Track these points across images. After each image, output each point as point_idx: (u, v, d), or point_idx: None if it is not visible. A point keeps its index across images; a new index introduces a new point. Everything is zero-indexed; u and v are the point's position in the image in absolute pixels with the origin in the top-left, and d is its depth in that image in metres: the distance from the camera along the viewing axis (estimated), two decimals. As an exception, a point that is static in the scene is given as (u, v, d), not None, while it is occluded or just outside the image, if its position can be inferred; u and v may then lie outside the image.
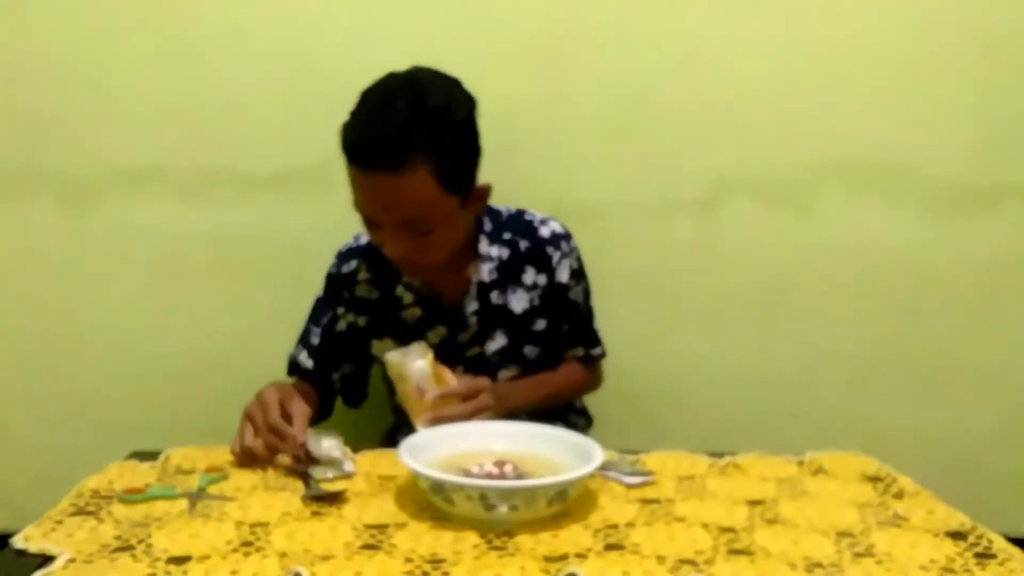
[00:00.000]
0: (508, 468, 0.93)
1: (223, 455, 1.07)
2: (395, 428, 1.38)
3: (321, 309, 1.32)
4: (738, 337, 1.64)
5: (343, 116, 1.57)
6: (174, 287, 1.59)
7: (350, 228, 1.35)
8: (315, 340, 1.30)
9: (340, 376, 1.31)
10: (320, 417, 1.31)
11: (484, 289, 1.25)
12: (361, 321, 1.29)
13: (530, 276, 1.27)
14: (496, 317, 1.26)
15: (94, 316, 1.60)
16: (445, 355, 1.25)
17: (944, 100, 1.57)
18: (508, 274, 1.26)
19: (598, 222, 1.46)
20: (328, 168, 1.56)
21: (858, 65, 1.56)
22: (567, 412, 1.41)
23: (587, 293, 1.35)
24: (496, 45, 1.53)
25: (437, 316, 1.26)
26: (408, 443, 0.94)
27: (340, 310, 1.30)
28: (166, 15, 1.52)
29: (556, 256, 1.28)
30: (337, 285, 1.30)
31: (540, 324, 1.29)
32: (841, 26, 1.55)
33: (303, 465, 1.01)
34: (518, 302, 1.27)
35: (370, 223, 1.13)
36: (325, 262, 1.34)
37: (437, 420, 1.07)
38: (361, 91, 1.11)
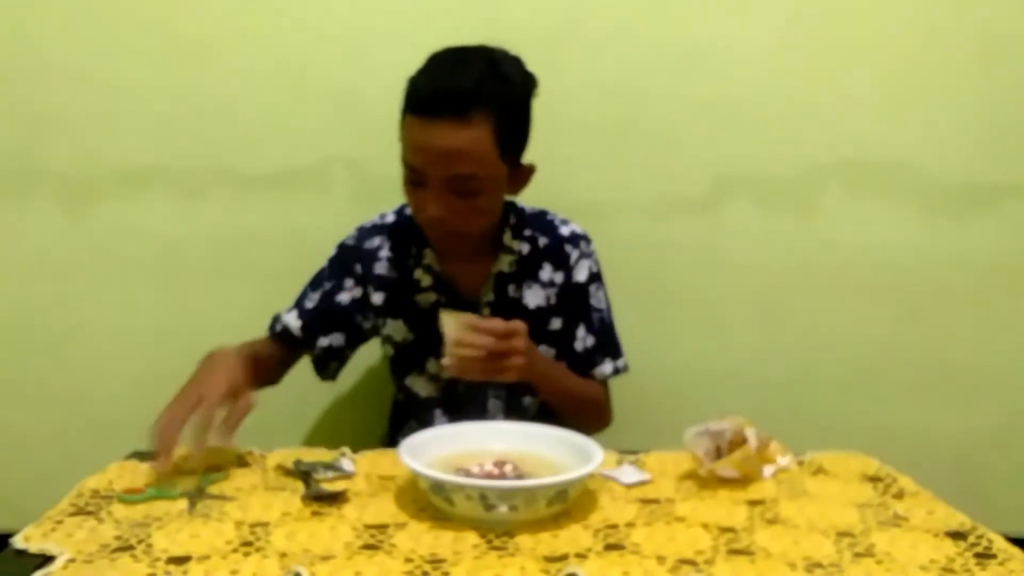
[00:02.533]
0: (508, 468, 0.93)
1: (223, 455, 1.07)
2: (392, 434, 1.38)
3: (324, 276, 1.31)
4: (738, 337, 1.64)
5: (343, 116, 1.58)
6: (174, 287, 1.59)
7: (350, 228, 1.36)
8: (309, 304, 1.29)
9: (327, 345, 1.29)
10: (262, 384, 1.24)
11: (502, 280, 1.26)
12: (377, 299, 1.29)
13: (547, 273, 1.28)
14: (510, 311, 1.26)
15: (94, 316, 1.59)
16: None
17: (944, 100, 1.57)
18: (526, 269, 1.27)
19: (598, 222, 1.46)
20: (328, 168, 1.57)
21: (858, 65, 1.56)
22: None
23: (607, 300, 1.33)
24: (496, 45, 1.53)
25: (451, 303, 1.26)
26: (408, 443, 0.94)
27: (348, 282, 1.29)
28: (166, 16, 1.52)
29: (575, 255, 1.29)
30: (352, 257, 1.30)
31: (555, 323, 1.28)
32: (841, 26, 1.55)
33: (302, 465, 1.01)
34: (533, 298, 1.27)
35: (416, 180, 1.13)
36: (324, 262, 1.34)
37: (460, 345, 1.06)
38: (430, 54, 1.15)
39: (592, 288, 1.30)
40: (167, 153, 1.55)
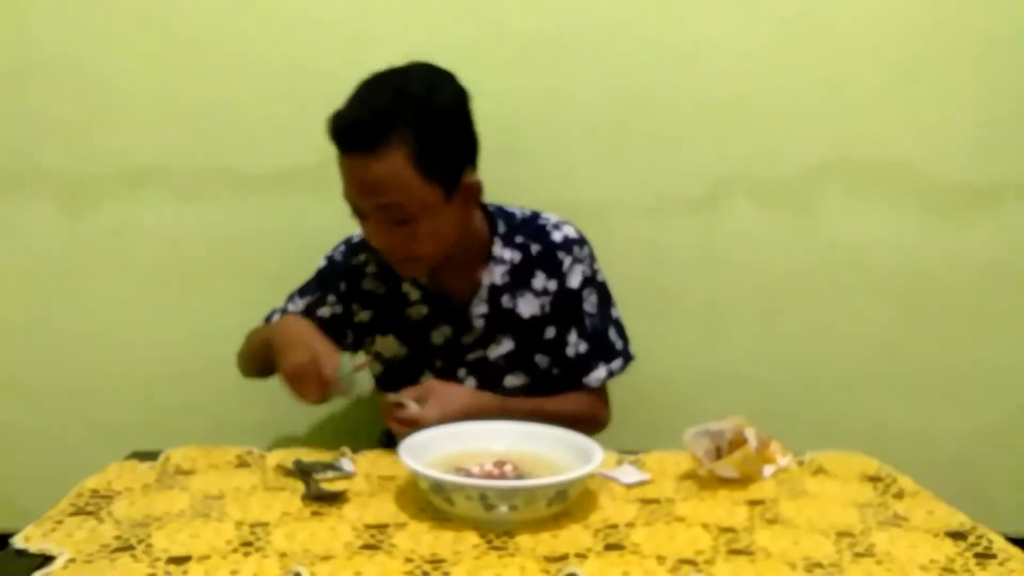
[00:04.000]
0: (508, 468, 0.93)
1: (225, 455, 1.07)
2: (390, 436, 1.37)
3: (311, 287, 1.31)
4: (738, 337, 1.64)
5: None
6: (174, 287, 1.59)
7: (350, 228, 1.36)
8: (292, 308, 1.30)
9: None
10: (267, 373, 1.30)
11: (495, 292, 1.24)
12: (364, 316, 1.28)
13: (540, 281, 1.25)
14: (504, 321, 1.25)
15: (94, 316, 1.59)
16: (449, 356, 1.25)
17: (944, 100, 1.57)
18: (519, 278, 1.25)
19: (598, 222, 1.46)
20: (328, 168, 1.56)
21: (858, 65, 1.55)
22: None
23: (605, 301, 1.30)
24: (496, 45, 1.53)
25: (443, 315, 1.25)
26: (408, 443, 0.94)
27: (331, 298, 1.28)
28: (166, 15, 1.52)
29: (567, 261, 1.26)
30: (338, 274, 1.29)
31: (550, 332, 1.26)
32: (841, 26, 1.55)
33: (302, 465, 1.01)
34: (527, 307, 1.25)
35: (356, 212, 1.15)
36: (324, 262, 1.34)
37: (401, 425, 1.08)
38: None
39: (585, 293, 1.27)
40: (167, 153, 1.55)
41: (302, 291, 1.32)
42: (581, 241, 1.28)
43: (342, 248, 1.32)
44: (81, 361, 1.61)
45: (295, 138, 1.55)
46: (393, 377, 1.28)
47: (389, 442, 1.32)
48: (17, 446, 1.62)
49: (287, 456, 1.05)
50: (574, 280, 1.26)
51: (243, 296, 1.59)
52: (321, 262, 1.33)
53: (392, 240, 1.12)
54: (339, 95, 1.53)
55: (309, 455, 1.05)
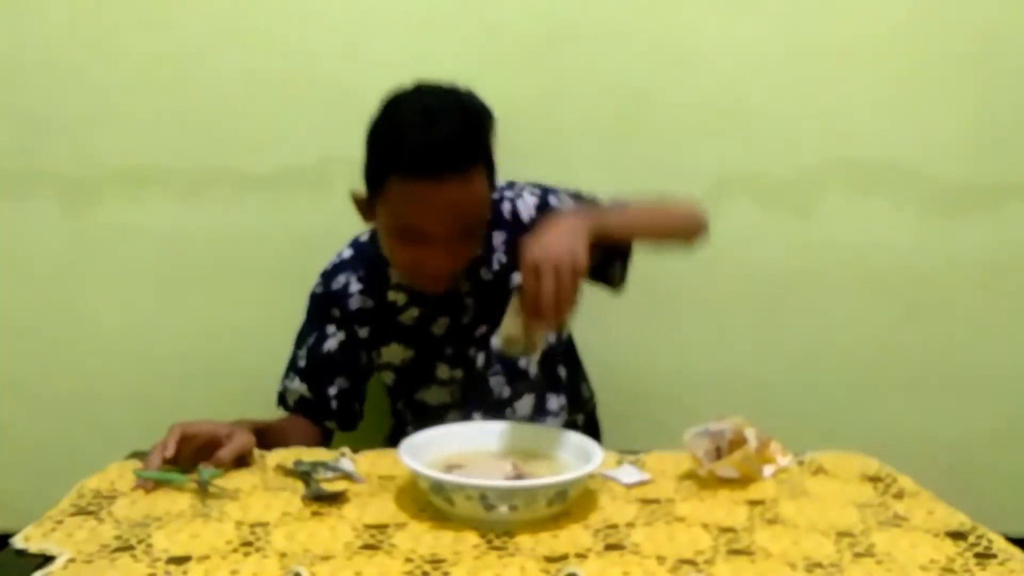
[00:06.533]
0: (508, 468, 0.93)
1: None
2: (395, 432, 1.38)
3: (305, 332, 1.30)
4: (738, 337, 1.64)
5: (343, 116, 1.58)
6: (174, 287, 1.59)
7: (350, 228, 1.36)
8: (302, 363, 1.28)
9: (337, 392, 1.28)
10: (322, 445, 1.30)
11: (473, 267, 1.23)
12: (363, 333, 1.28)
13: (497, 239, 1.26)
14: (491, 289, 1.25)
15: (94, 316, 1.60)
16: (455, 341, 1.26)
17: (944, 100, 1.57)
18: (487, 245, 1.25)
19: (598, 222, 1.47)
20: (328, 168, 1.57)
21: (859, 65, 1.56)
22: (578, 383, 1.40)
23: (577, 196, 1.28)
24: (496, 45, 1.53)
25: (436, 309, 1.26)
26: (408, 443, 0.94)
27: (330, 328, 1.28)
28: (166, 16, 1.52)
29: (507, 208, 1.26)
30: (326, 303, 1.29)
31: (516, 278, 1.24)
32: (842, 26, 1.55)
33: (302, 465, 1.01)
34: (495, 265, 1.25)
35: (414, 238, 1.10)
36: (325, 262, 1.34)
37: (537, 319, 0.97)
38: (387, 108, 1.11)
39: (553, 204, 1.25)
40: (167, 153, 1.56)
41: (298, 342, 1.30)
42: (511, 184, 1.29)
43: (319, 281, 1.31)
44: (81, 361, 1.61)
45: (295, 138, 1.55)
46: (409, 377, 1.29)
47: (391, 446, 1.32)
48: (17, 446, 1.62)
49: (287, 456, 1.05)
50: (525, 214, 1.25)
51: (243, 296, 1.60)
52: (306, 303, 1.31)
53: (457, 257, 1.12)
54: (339, 96, 1.55)
55: (309, 455, 1.05)
